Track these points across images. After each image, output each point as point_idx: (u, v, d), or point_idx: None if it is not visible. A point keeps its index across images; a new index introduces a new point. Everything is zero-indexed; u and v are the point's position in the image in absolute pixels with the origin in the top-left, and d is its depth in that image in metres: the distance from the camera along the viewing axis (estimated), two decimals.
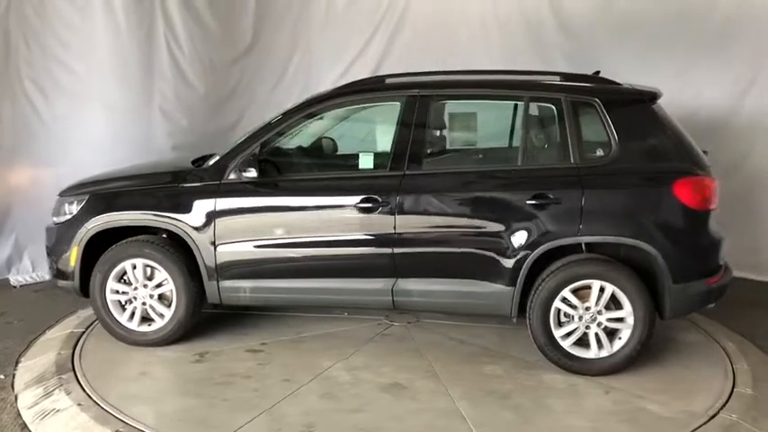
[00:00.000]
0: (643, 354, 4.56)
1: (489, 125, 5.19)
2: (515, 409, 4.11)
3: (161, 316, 4.90)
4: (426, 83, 4.85)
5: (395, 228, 4.59)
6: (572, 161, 4.54)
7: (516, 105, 4.83)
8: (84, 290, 4.96)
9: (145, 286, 4.89)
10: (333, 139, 5.48)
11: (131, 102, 6.65)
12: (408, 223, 4.60)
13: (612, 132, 4.53)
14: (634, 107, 4.64)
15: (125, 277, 4.92)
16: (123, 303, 4.94)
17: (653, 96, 4.67)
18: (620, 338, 4.53)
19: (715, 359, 4.89)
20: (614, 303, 4.52)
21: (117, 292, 4.91)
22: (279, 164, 4.87)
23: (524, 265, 4.50)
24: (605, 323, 4.52)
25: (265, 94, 6.94)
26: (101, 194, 4.96)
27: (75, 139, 6.46)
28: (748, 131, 6.53)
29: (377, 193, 4.59)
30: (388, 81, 4.91)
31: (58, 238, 4.99)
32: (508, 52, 6.92)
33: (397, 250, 4.62)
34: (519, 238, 4.50)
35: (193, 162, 5.08)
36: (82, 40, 6.38)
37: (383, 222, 4.60)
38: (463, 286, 4.61)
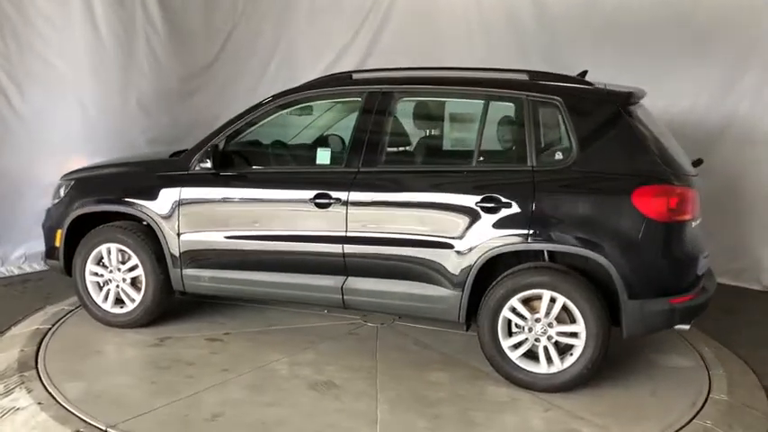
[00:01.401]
0: (603, 371, 4.34)
1: (449, 123, 5.00)
2: (434, 418, 3.96)
3: (132, 300, 5.08)
4: (388, 79, 4.76)
5: (346, 225, 4.54)
6: (528, 163, 4.31)
7: (477, 104, 4.63)
8: (69, 270, 5.22)
9: (119, 270, 5.09)
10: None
11: (109, 96, 6.69)
12: (359, 221, 4.53)
13: (573, 134, 4.27)
14: (600, 109, 4.34)
15: (103, 260, 5.14)
16: (101, 285, 5.15)
17: (626, 98, 4.35)
18: (571, 354, 4.25)
19: (690, 369, 4.70)
20: (570, 317, 4.24)
21: (95, 274, 5.14)
22: (246, 157, 4.93)
23: (472, 270, 4.32)
24: (556, 337, 4.26)
25: (247, 89, 6.89)
26: (83, 180, 5.22)
27: (50, 133, 6.44)
28: (728, 136, 6.40)
29: (330, 189, 4.55)
30: (355, 77, 4.85)
31: (49, 220, 5.29)
32: (492, 50, 6.74)
33: (347, 248, 4.56)
34: (467, 242, 4.32)
35: (172, 155, 5.23)
36: (59, 34, 6.39)
37: (335, 219, 4.55)
38: (412, 288, 4.48)
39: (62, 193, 5.26)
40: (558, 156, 4.33)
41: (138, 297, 5.07)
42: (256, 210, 4.78)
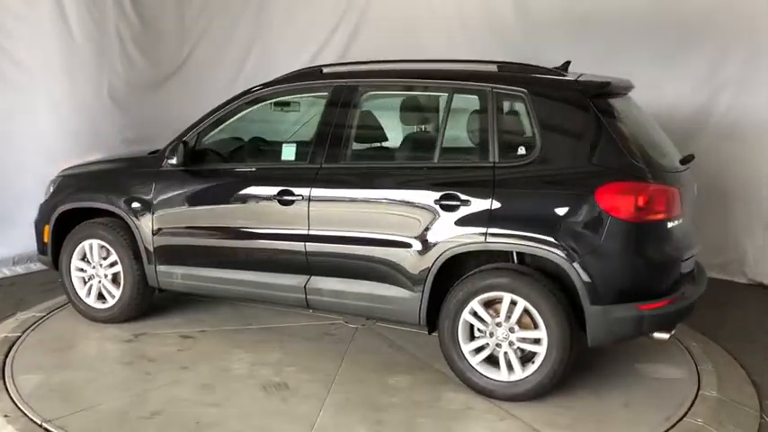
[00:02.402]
0: (577, 378, 4.17)
1: (415, 118, 4.80)
2: (377, 423, 3.81)
3: (112, 296, 5.13)
4: (353, 73, 4.62)
5: (308, 223, 4.43)
6: (490, 159, 4.09)
7: (442, 97, 4.42)
8: (57, 264, 5.32)
9: (101, 266, 5.15)
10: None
11: (79, 94, 6.62)
12: (321, 219, 4.41)
13: (537, 128, 4.02)
14: (567, 100, 4.07)
15: (86, 256, 5.21)
16: (86, 280, 5.23)
17: (598, 88, 4.06)
18: (533, 362, 4.00)
19: (673, 380, 4.44)
20: (535, 322, 4.00)
21: (80, 269, 5.22)
22: (217, 153, 4.90)
23: (431, 271, 4.13)
24: (517, 343, 4.02)
25: (223, 87, 6.54)
26: (68, 177, 5.31)
27: (19, 133, 6.37)
28: (713, 128, 6.31)
29: (293, 186, 4.46)
30: (325, 71, 4.73)
31: (40, 215, 5.40)
32: (473, 45, 6.61)
33: (309, 246, 4.45)
34: (426, 241, 4.14)
35: (151, 153, 5.24)
36: (28, 29, 6.27)
37: (298, 216, 4.46)
38: (373, 289, 4.33)
39: (51, 189, 5.36)
40: (521, 151, 4.09)
41: (117, 293, 5.11)
42: (223, 207, 4.73)
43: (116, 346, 4.81)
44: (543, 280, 3.95)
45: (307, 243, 4.45)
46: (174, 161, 4.70)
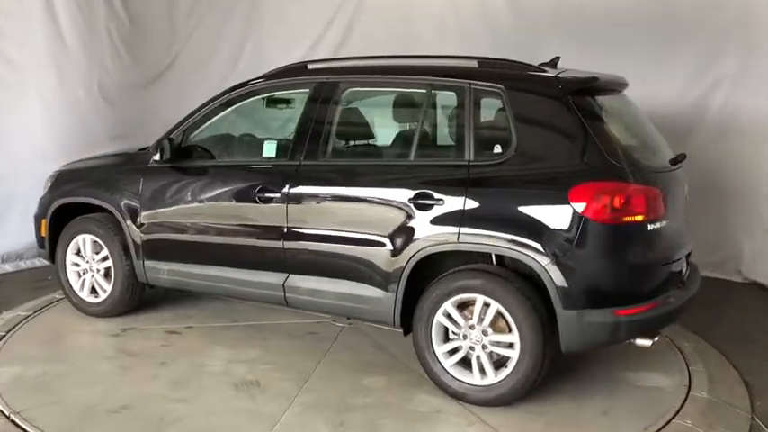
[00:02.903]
0: (557, 383, 4.08)
1: (393, 115, 4.69)
2: (339, 425, 3.75)
3: (103, 290, 5.19)
4: (334, 69, 4.56)
5: (287, 220, 4.40)
6: (465, 157, 3.99)
7: (420, 94, 4.33)
8: (53, 257, 5.40)
9: (93, 260, 5.21)
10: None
11: (70, 92, 6.58)
12: (298, 216, 4.37)
13: (513, 125, 3.90)
14: (545, 97, 3.94)
15: (80, 251, 5.28)
16: (81, 274, 5.30)
17: (579, 84, 3.93)
18: (506, 367, 3.89)
19: (660, 389, 4.26)
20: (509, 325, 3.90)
21: (74, 264, 5.29)
22: (203, 149, 4.90)
23: (404, 271, 4.05)
24: (490, 347, 3.92)
25: (215, 84, 6.22)
26: (64, 172, 5.38)
27: (9, 131, 6.35)
28: (708, 125, 6.23)
29: (272, 183, 4.43)
30: (310, 67, 4.69)
31: (38, 210, 5.49)
32: (468, 40, 6.51)
33: (287, 244, 4.42)
34: (399, 241, 4.07)
35: (141, 149, 5.26)
36: (18, 27, 6.25)
37: (277, 214, 4.43)
38: (349, 288, 4.27)
39: (48, 184, 5.44)
40: (497, 149, 3.98)
41: (108, 288, 5.16)
42: (206, 203, 4.72)
43: (102, 341, 4.86)
44: (517, 282, 3.83)
45: (285, 241, 4.41)
46: (157, 157, 4.72)
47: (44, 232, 5.39)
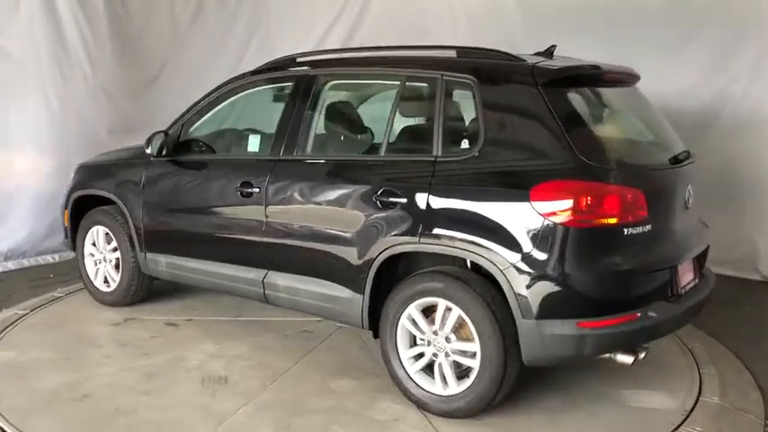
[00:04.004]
0: (538, 396, 3.89)
1: (369, 108, 4.50)
2: (286, 428, 3.66)
3: (114, 280, 5.34)
4: (315, 62, 4.44)
5: (265, 216, 4.34)
6: (433, 153, 3.77)
7: (394, 86, 4.13)
8: (75, 247, 5.61)
9: (106, 251, 5.37)
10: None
11: (71, 89, 6.51)
12: (275, 212, 4.31)
13: (482, 119, 3.65)
14: (516, 89, 3.66)
15: (95, 242, 5.45)
16: (96, 264, 5.47)
17: (555, 74, 3.62)
18: (468, 378, 3.66)
19: (652, 410, 3.95)
20: None
21: (91, 254, 5.47)
22: (199, 144, 4.92)
23: (370, 271, 3.89)
24: (452, 355, 3.70)
25: (221, 79, 6.47)
26: (84, 166, 5.56)
27: (9, 128, 6.32)
28: (723, 120, 5.99)
29: (253, 178, 4.39)
30: (298, 60, 4.59)
31: (63, 201, 5.72)
32: (477, 35, 6.12)
33: (265, 240, 4.36)
34: (366, 240, 3.91)
35: None
36: (18, 23, 6.15)
37: (256, 209, 4.38)
38: (322, 287, 4.16)
39: (72, 176, 5.65)
40: (465, 144, 3.74)
41: (117, 278, 5.30)
42: (197, 197, 4.74)
43: (101, 330, 4.97)
44: (479, 287, 3.57)
45: (263, 237, 4.35)
46: (149, 150, 4.78)
47: (66, 222, 5.60)
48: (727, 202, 5.77)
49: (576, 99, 3.70)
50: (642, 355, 3.64)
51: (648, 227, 3.54)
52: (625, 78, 4.06)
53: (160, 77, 7.26)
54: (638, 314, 3.48)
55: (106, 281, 5.41)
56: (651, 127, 4.09)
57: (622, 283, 3.48)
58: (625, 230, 3.45)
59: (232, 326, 5.03)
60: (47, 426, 3.66)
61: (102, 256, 5.40)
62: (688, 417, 3.71)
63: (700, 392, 3.98)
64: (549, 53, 4.13)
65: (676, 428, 3.61)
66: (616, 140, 3.72)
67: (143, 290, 5.33)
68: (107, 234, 5.33)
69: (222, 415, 3.74)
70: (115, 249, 5.30)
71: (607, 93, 4.09)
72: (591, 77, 3.83)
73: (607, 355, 3.64)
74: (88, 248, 5.47)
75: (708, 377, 4.16)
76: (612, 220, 3.41)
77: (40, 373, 4.23)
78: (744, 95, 5.87)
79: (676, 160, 3.87)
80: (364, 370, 4.31)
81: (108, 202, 5.34)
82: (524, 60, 3.78)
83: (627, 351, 3.61)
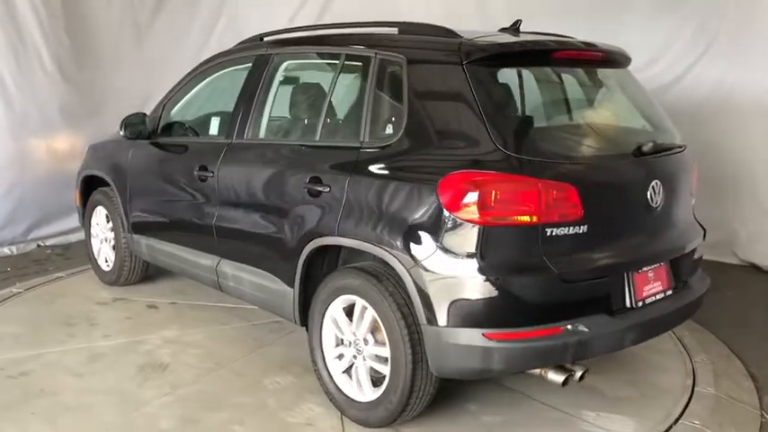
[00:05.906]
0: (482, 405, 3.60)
1: (312, 90, 4.13)
2: (192, 421, 3.50)
3: (111, 260, 5.42)
4: (274, 42, 4.22)
5: (217, 201, 4.21)
6: (360, 139, 3.48)
7: (335, 65, 3.83)
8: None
9: (105, 231, 5.47)
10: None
11: (28, 73, 6.28)
12: (223, 197, 4.17)
13: (407, 102, 3.31)
14: (442, 69, 3.28)
15: (98, 221, 5.56)
16: (100, 243, 5.59)
17: (483, 51, 3.21)
18: (382, 385, 3.36)
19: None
20: None
21: (95, 234, 5.59)
22: (174, 127, 4.86)
23: (299, 264, 3.66)
24: (368, 360, 3.41)
25: (188, 60, 5.75)
26: (93, 147, 5.66)
27: None
28: (703, 103, 5.94)
29: (208, 162, 4.26)
30: (265, 39, 4.39)
31: (77, 181, 5.87)
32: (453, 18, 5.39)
33: (217, 225, 4.23)
34: (296, 231, 3.68)
35: None
36: None
37: (209, 194, 4.26)
38: (260, 278, 3.98)
39: (84, 156, 5.79)
40: (389, 130, 3.40)
41: (113, 258, 5.37)
42: (167, 180, 4.68)
43: (83, 308, 5.03)
44: (391, 286, 3.24)
45: (215, 222, 4.22)
46: (122, 132, 4.77)
47: (78, 202, 5.74)
48: (705, 185, 5.08)
49: (512, 80, 3.26)
50: (579, 375, 3.18)
51: (584, 227, 3.06)
52: (593, 57, 3.54)
53: (125, 60, 7.00)
54: (563, 328, 3.02)
55: (107, 260, 5.49)
56: (621, 115, 3.56)
57: (541, 292, 3.03)
58: (548, 231, 3.00)
59: (208, 312, 4.94)
60: None
61: (104, 236, 5.49)
62: (686, 409, 3.59)
63: (694, 383, 3.86)
64: (515, 28, 3.69)
65: (675, 421, 3.48)
66: (555, 129, 3.26)
67: (137, 271, 5.35)
68: (107, 215, 5.40)
69: (137, 404, 3.64)
70: (113, 230, 5.36)
71: (575, 74, 3.60)
72: (534, 55, 3.35)
73: (537, 371, 3.21)
74: (93, 228, 5.57)
75: (700, 366, 4.07)
76: (528, 218, 2.97)
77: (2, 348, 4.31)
78: (721, 80, 5.77)
79: (641, 152, 3.32)
80: (308, 368, 4.06)
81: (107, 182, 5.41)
82: (461, 36, 3.37)
83: (558, 369, 3.16)
